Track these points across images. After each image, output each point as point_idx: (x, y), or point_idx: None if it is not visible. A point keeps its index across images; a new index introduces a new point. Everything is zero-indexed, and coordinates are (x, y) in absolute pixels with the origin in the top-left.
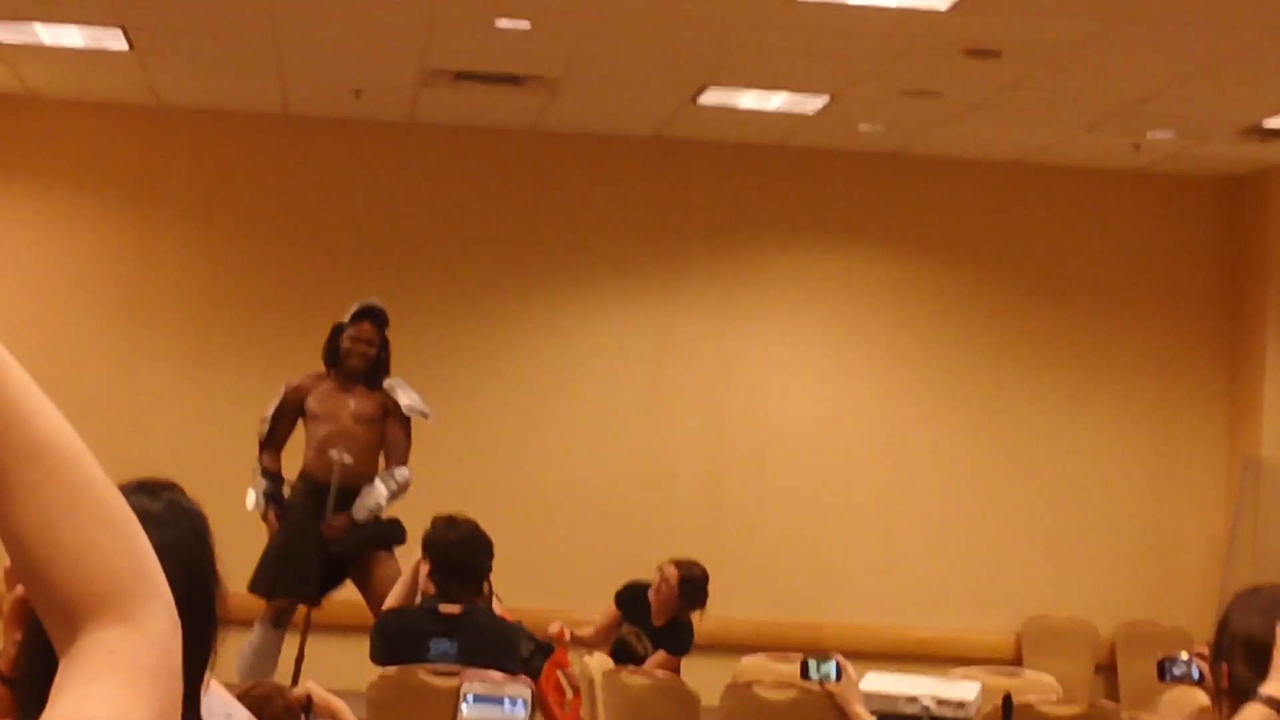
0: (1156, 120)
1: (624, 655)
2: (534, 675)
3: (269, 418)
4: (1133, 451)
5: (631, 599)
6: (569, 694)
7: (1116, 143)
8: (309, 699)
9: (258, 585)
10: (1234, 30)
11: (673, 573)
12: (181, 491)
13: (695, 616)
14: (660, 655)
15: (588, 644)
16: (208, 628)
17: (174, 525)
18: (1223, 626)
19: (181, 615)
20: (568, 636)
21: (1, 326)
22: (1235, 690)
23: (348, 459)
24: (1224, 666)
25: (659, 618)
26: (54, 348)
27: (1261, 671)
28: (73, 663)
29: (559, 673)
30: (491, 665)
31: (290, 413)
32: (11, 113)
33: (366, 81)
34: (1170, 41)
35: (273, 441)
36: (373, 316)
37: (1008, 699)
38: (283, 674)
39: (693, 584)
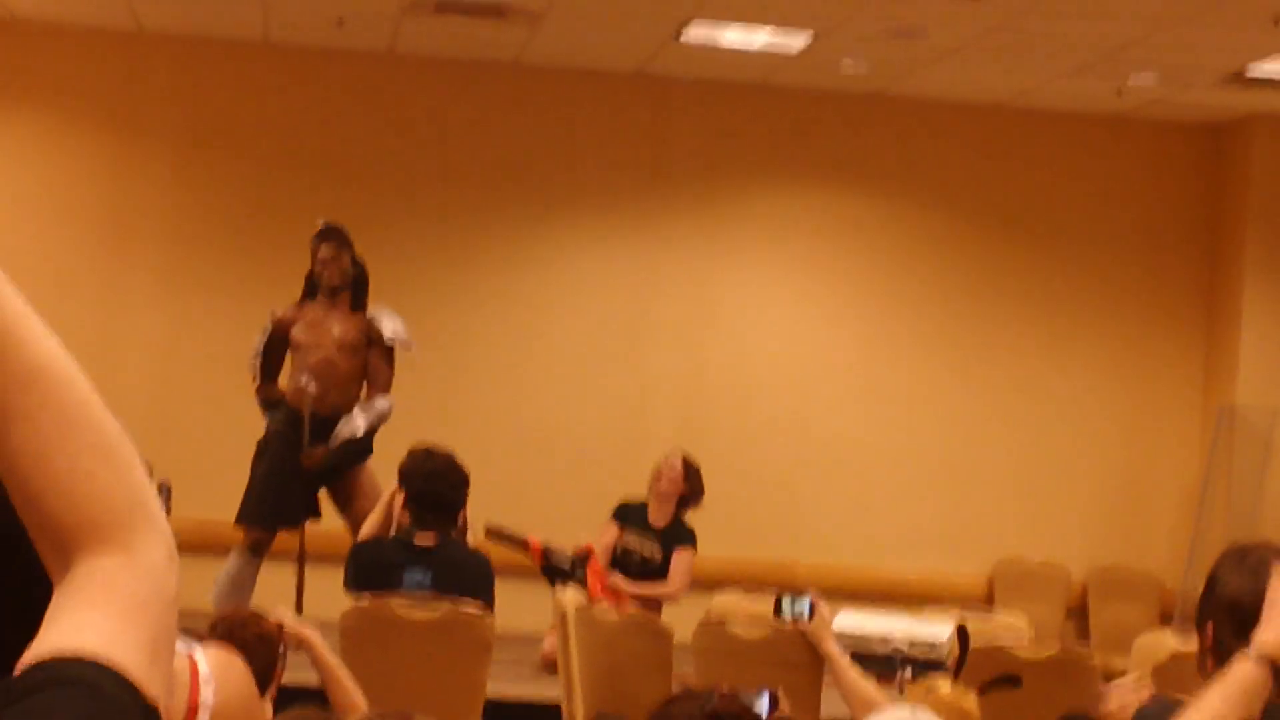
0: (1139, 65)
1: (627, 562)
2: (582, 581)
3: (259, 353)
4: (1108, 397)
5: (628, 512)
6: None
7: (1099, 87)
8: (281, 628)
9: (248, 516)
10: None
11: (677, 460)
12: None
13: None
14: (684, 554)
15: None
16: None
17: None
18: (1210, 585)
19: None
20: (596, 548)
21: None
22: (1217, 651)
23: (312, 387)
24: (1209, 626)
25: (661, 517)
26: (31, 274)
27: (1243, 638)
28: (66, 592)
29: (600, 576)
30: (465, 596)
31: (280, 342)
32: None
33: (348, 11)
34: None
35: (269, 374)
36: (325, 235)
37: (962, 630)
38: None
39: (694, 470)
